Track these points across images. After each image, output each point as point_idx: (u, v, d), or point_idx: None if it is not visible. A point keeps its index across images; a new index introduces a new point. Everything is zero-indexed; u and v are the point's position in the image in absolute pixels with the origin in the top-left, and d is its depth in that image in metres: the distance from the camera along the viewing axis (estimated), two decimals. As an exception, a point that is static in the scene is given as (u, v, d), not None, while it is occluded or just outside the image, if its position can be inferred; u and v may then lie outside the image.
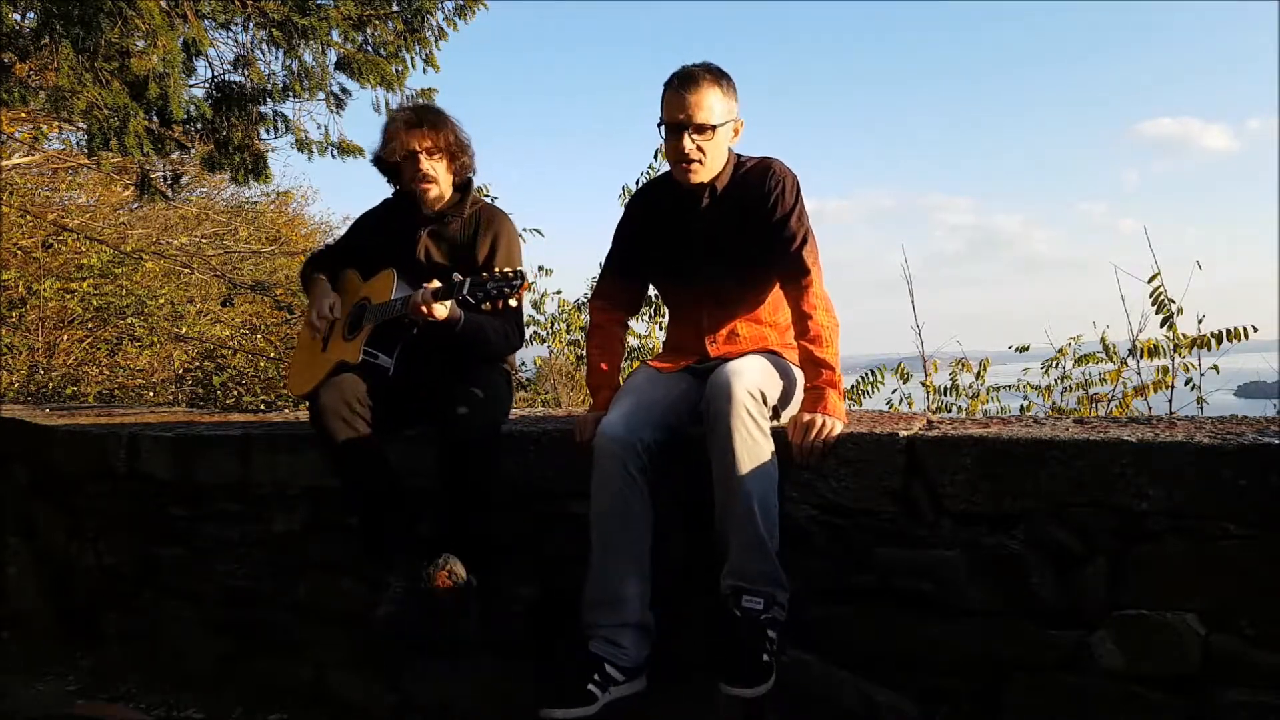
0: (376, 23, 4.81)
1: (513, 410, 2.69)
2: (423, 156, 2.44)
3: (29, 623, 3.41)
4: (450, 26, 5.07)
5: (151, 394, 7.35)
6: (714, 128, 2.12)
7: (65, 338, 7.35)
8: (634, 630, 2.01)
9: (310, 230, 11.81)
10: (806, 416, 2.00)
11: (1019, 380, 4.30)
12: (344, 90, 5.01)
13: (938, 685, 1.90)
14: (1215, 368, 3.67)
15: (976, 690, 1.87)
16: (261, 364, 7.72)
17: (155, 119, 4.39)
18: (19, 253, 7.31)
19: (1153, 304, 3.66)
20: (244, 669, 2.76)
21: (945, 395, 4.35)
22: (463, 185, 2.55)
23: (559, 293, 6.14)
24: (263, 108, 4.89)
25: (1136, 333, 3.78)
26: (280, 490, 2.69)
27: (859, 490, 1.96)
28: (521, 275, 2.18)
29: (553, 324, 6.16)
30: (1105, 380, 3.99)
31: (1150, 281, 3.64)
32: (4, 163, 6.65)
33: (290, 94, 4.87)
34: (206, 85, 4.81)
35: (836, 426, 1.98)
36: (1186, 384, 3.68)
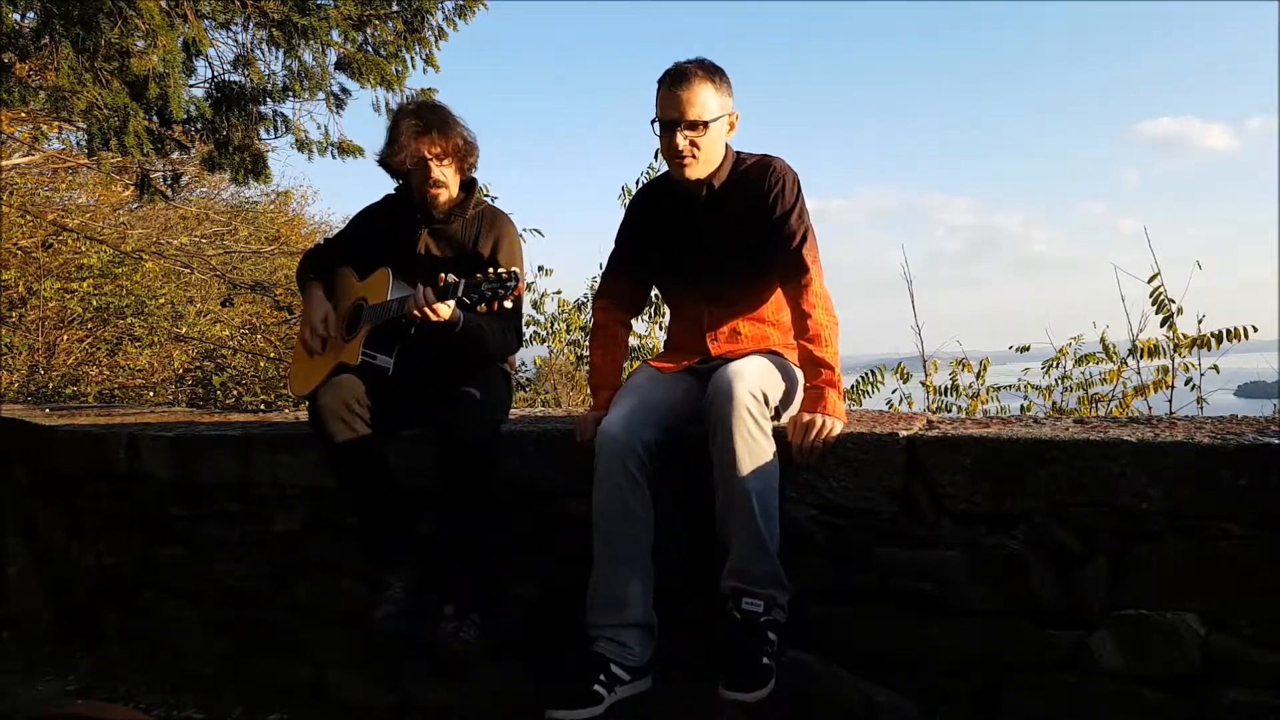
0: (376, 23, 4.81)
1: (513, 410, 2.68)
2: (433, 164, 2.42)
3: (29, 623, 3.40)
4: (450, 26, 5.07)
5: (151, 394, 7.35)
6: (707, 123, 2.12)
7: (65, 338, 7.35)
8: (638, 630, 2.01)
9: (310, 230, 11.79)
10: (806, 416, 1.99)
11: (1019, 380, 4.30)
12: (344, 90, 5.01)
13: (938, 685, 1.90)
14: (1215, 368, 3.67)
15: (976, 690, 1.87)
16: (261, 364, 7.72)
17: (155, 119, 4.39)
18: (19, 253, 7.31)
19: (1153, 304, 3.66)
20: (244, 669, 2.76)
21: (945, 395, 4.35)
22: (467, 184, 2.55)
23: (559, 293, 6.16)
24: (263, 108, 4.88)
25: (1136, 333, 3.78)
26: (280, 490, 2.69)
27: (859, 490, 1.96)
28: (516, 277, 2.17)
29: (553, 324, 6.16)
30: (1105, 380, 3.99)
31: (1150, 281, 3.64)
32: (4, 163, 6.65)
33: (290, 94, 4.87)
34: (206, 85, 4.81)
35: (836, 426, 1.98)
36: (1186, 384, 3.68)
